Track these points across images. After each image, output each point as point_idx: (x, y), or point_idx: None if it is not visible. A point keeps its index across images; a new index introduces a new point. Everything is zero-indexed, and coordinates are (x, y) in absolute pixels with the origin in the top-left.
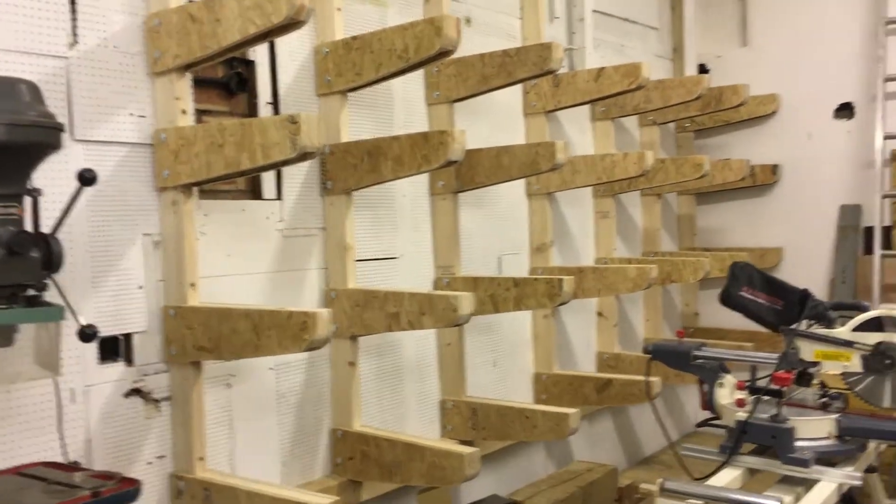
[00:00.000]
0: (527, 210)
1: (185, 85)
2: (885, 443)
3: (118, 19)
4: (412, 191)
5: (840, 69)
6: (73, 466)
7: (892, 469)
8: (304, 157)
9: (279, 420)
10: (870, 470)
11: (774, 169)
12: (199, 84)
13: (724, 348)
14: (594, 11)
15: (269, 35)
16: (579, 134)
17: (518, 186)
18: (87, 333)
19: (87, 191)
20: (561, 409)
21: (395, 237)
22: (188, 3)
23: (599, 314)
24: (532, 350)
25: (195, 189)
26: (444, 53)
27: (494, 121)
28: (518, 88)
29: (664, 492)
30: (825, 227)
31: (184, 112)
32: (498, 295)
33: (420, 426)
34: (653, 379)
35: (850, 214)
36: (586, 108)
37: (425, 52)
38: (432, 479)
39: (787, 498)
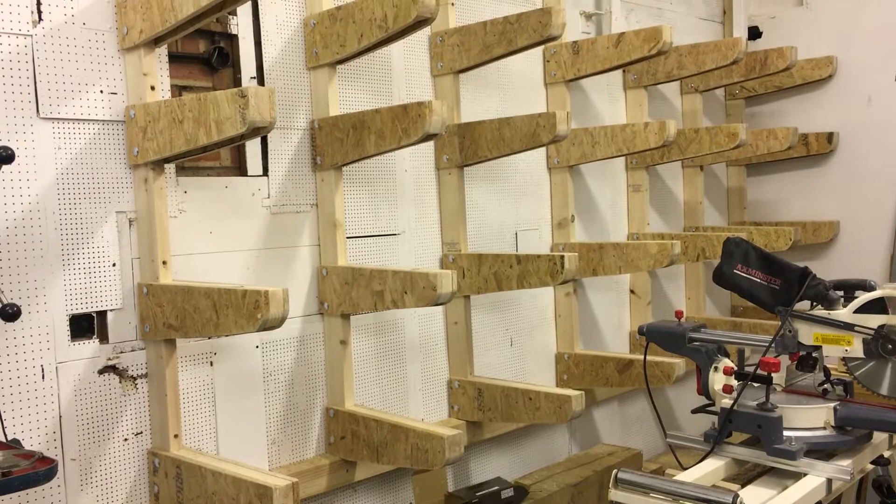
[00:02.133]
0: (548, 184)
1: (152, 60)
2: (890, 434)
3: None
4: (414, 165)
5: None
6: (8, 445)
7: None
8: (255, 132)
9: (267, 399)
10: (881, 462)
11: (830, 137)
12: (179, 60)
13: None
14: None
15: (223, 6)
16: (610, 104)
17: (539, 160)
18: (7, 312)
19: (57, 167)
20: (564, 391)
21: (395, 213)
22: None
23: (632, 292)
24: (554, 329)
25: (167, 166)
26: (422, 21)
27: (509, 93)
28: (538, 58)
29: (619, 483)
30: (885, 198)
31: (152, 88)
32: (501, 272)
33: (426, 407)
34: (672, 360)
35: None
36: (618, 76)
37: (404, 21)
38: (415, 461)
39: (768, 492)
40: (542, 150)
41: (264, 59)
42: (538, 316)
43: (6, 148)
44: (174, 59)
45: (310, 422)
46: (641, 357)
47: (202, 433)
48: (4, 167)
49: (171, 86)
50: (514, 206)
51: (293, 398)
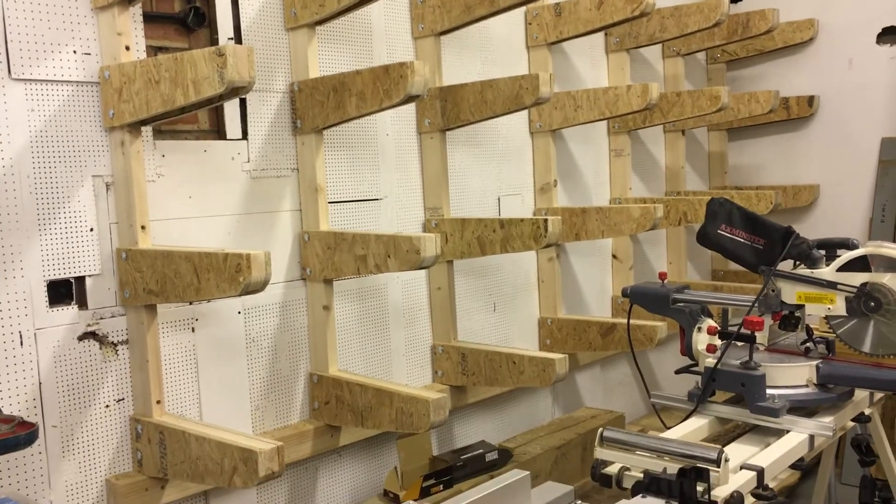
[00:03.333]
0: (530, 149)
1: (126, 20)
2: (871, 391)
3: None
4: (396, 129)
5: None
6: None
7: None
8: (234, 92)
9: (250, 364)
10: (862, 419)
11: (811, 100)
12: (154, 20)
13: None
14: None
15: None
16: (592, 68)
17: (521, 124)
18: None
19: (31, 130)
20: (547, 355)
21: (377, 178)
22: None
23: (614, 257)
24: (537, 294)
25: (144, 129)
26: None
27: (491, 56)
28: (520, 21)
29: (604, 441)
30: (865, 161)
31: (127, 48)
32: (485, 237)
33: (409, 372)
34: (655, 324)
35: (892, 148)
36: (600, 40)
37: None
38: (401, 424)
39: (751, 448)
40: (525, 114)
41: (242, 20)
42: (521, 281)
43: None
44: (149, 18)
45: (293, 387)
46: (624, 321)
47: (185, 399)
48: None
49: (147, 46)
50: (496, 170)
51: (276, 364)
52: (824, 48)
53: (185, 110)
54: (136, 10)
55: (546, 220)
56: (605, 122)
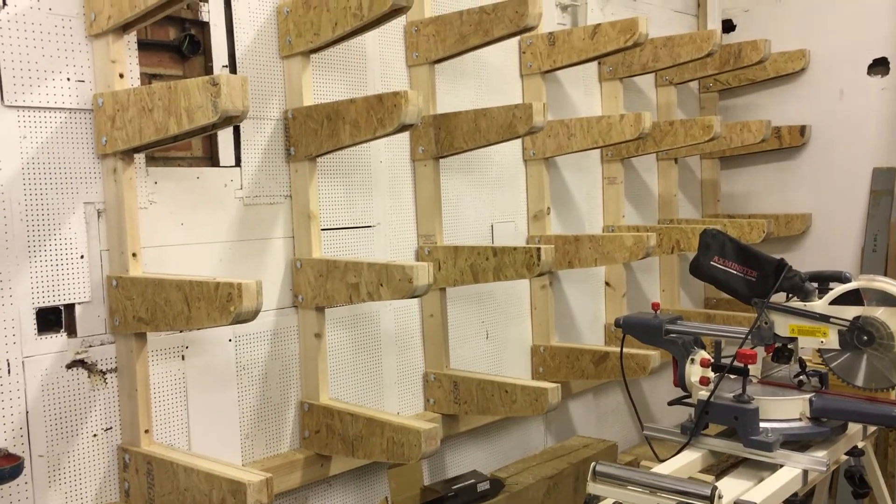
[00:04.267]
0: (524, 176)
1: (121, 47)
2: (863, 425)
3: None
4: (390, 157)
5: (875, 22)
6: None
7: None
8: (228, 121)
9: (240, 393)
10: (855, 453)
11: (803, 130)
12: (149, 47)
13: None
14: None
15: None
16: (585, 96)
17: (515, 152)
18: None
19: (23, 157)
20: (540, 384)
21: (371, 204)
22: None
23: (607, 284)
24: (530, 321)
25: (137, 156)
26: (398, 10)
27: (485, 84)
28: (514, 50)
29: (597, 476)
30: (857, 191)
31: (121, 76)
32: (478, 265)
33: (401, 400)
34: (648, 353)
35: (883, 178)
36: (594, 68)
37: (379, 9)
38: (392, 454)
39: (745, 483)
40: (518, 141)
41: (236, 48)
42: (514, 308)
43: None
44: (143, 46)
45: (284, 416)
46: (617, 349)
47: (174, 428)
48: None
49: (141, 74)
50: (489, 198)
51: (267, 392)
52: (816, 78)
53: (179, 138)
54: (131, 38)
55: (539, 249)
56: (599, 150)
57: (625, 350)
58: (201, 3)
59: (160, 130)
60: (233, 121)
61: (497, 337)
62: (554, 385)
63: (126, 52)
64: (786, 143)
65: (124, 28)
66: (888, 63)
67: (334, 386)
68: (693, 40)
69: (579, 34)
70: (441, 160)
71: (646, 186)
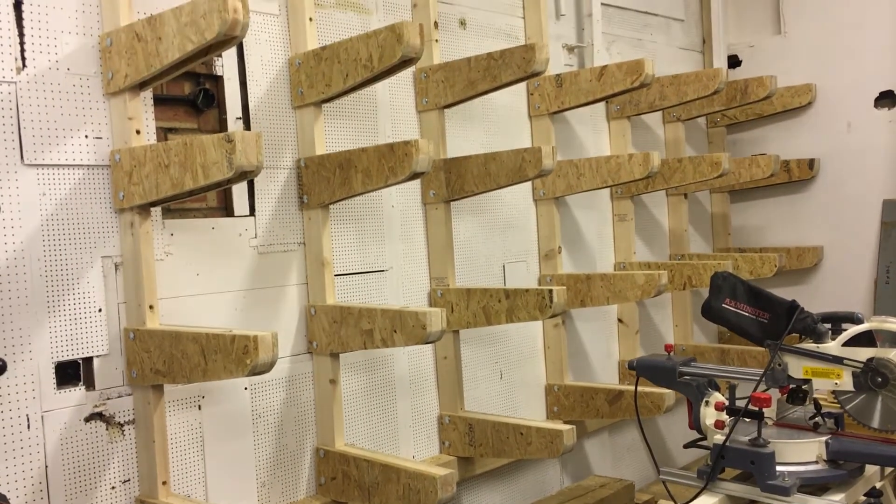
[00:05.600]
0: (534, 216)
1: (137, 104)
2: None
3: (70, 40)
4: (402, 201)
5: (880, 55)
6: None
7: None
8: (243, 175)
9: (256, 440)
10: (873, 494)
11: (811, 163)
12: (164, 102)
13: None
14: (604, 5)
15: (209, 51)
16: (594, 134)
17: (525, 192)
18: None
19: (42, 214)
20: (555, 426)
21: (383, 249)
22: (135, 22)
23: (620, 321)
24: (543, 360)
25: (153, 210)
26: (407, 61)
27: (494, 126)
28: (522, 91)
29: None
30: (867, 223)
31: (138, 132)
32: (490, 307)
33: (416, 443)
34: (662, 391)
35: (893, 209)
36: (601, 107)
37: (389, 61)
38: (408, 501)
39: None
40: (528, 182)
41: (250, 100)
42: (527, 348)
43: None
44: (159, 101)
45: (300, 463)
46: (631, 388)
47: (191, 478)
48: None
49: (157, 128)
50: (501, 238)
51: (283, 439)
52: (823, 112)
53: (194, 192)
54: (147, 94)
55: (551, 291)
56: (608, 188)
57: (640, 389)
58: (215, 58)
59: (176, 186)
60: (247, 176)
61: (511, 377)
62: (569, 427)
63: (142, 108)
64: (795, 177)
65: (141, 86)
66: (895, 95)
67: (349, 431)
68: (699, 78)
69: (586, 76)
70: (452, 203)
71: (656, 222)
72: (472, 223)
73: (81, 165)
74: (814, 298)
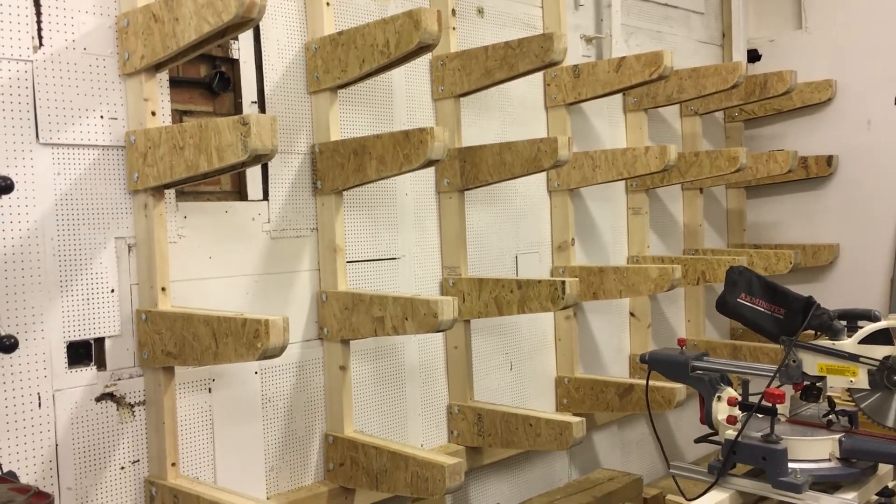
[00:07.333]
0: (548, 207)
1: (153, 86)
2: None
3: (87, 20)
4: (415, 189)
5: None
6: (4, 478)
7: None
8: (257, 159)
9: (266, 425)
10: (886, 494)
11: (830, 160)
12: (180, 84)
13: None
14: None
15: (225, 33)
16: (610, 127)
17: (539, 183)
18: (4, 344)
19: (56, 193)
20: (565, 418)
21: (396, 237)
22: (152, 3)
23: (632, 315)
24: (554, 352)
25: (167, 192)
26: (424, 48)
27: (510, 116)
28: (539, 82)
29: None
30: (885, 221)
31: (153, 114)
32: (502, 297)
33: (425, 431)
34: (674, 386)
35: None
36: (618, 99)
37: (405, 47)
38: (416, 489)
39: None
40: (543, 173)
41: (265, 84)
42: (538, 339)
43: (5, 178)
44: (175, 83)
45: (309, 448)
46: (642, 382)
47: (200, 461)
48: (3, 196)
49: (172, 110)
50: (514, 229)
51: (292, 424)
52: (843, 108)
53: (208, 175)
54: (163, 76)
55: (564, 283)
56: (624, 181)
57: (651, 383)
58: (231, 41)
59: (191, 168)
60: (262, 159)
61: (521, 368)
62: (578, 419)
63: (158, 89)
64: (813, 174)
65: (157, 67)
66: None
67: (358, 418)
68: (718, 72)
69: (604, 67)
70: (466, 192)
71: (671, 216)
72: (485, 213)
73: (96, 146)
74: (828, 296)
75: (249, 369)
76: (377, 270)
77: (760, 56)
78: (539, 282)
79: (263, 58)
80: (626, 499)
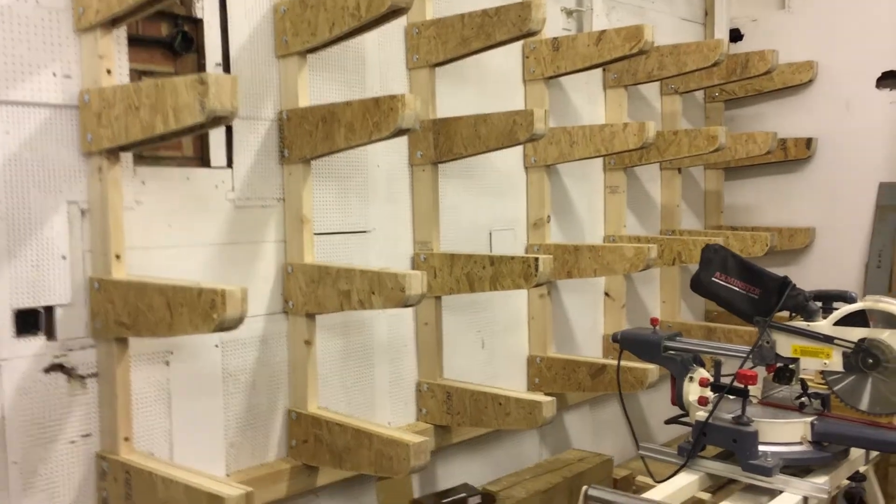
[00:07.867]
0: (524, 183)
1: (109, 42)
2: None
3: None
4: (387, 161)
5: (884, 34)
6: None
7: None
8: (216, 121)
9: (226, 400)
10: (857, 478)
11: (809, 143)
12: (140, 43)
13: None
14: None
15: None
16: (589, 103)
17: (516, 158)
18: None
19: (4, 153)
20: (535, 397)
21: (366, 210)
22: None
23: (607, 294)
24: (527, 331)
25: (124, 155)
26: (396, 11)
27: (487, 88)
28: (517, 55)
29: (588, 499)
30: (862, 206)
31: (109, 72)
32: (474, 273)
33: (393, 409)
34: (646, 366)
35: (889, 193)
36: (598, 75)
37: (377, 10)
38: (380, 468)
39: None
40: (519, 148)
41: (231, 46)
42: (511, 318)
43: None
44: (134, 41)
45: (271, 425)
46: (615, 362)
47: (156, 436)
48: None
49: (131, 70)
50: (489, 205)
51: (254, 400)
52: (823, 90)
53: (166, 137)
54: (121, 33)
55: (537, 259)
56: (601, 158)
57: (623, 363)
58: (195, 0)
59: (146, 129)
60: (221, 121)
61: (493, 346)
62: (549, 399)
63: (115, 47)
64: (791, 156)
65: (113, 22)
66: None
67: (324, 394)
68: (700, 49)
69: (584, 40)
70: (440, 165)
71: (648, 196)
72: (459, 187)
73: (48, 104)
74: (804, 279)
75: (210, 342)
76: (346, 244)
77: (742, 36)
78: (512, 258)
79: (229, 18)
80: (595, 479)
